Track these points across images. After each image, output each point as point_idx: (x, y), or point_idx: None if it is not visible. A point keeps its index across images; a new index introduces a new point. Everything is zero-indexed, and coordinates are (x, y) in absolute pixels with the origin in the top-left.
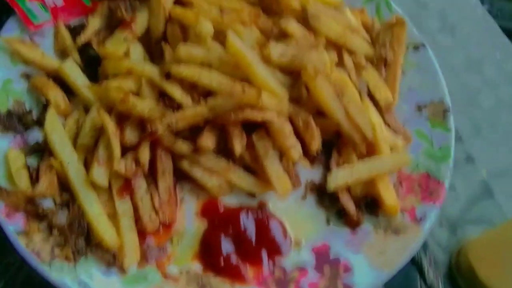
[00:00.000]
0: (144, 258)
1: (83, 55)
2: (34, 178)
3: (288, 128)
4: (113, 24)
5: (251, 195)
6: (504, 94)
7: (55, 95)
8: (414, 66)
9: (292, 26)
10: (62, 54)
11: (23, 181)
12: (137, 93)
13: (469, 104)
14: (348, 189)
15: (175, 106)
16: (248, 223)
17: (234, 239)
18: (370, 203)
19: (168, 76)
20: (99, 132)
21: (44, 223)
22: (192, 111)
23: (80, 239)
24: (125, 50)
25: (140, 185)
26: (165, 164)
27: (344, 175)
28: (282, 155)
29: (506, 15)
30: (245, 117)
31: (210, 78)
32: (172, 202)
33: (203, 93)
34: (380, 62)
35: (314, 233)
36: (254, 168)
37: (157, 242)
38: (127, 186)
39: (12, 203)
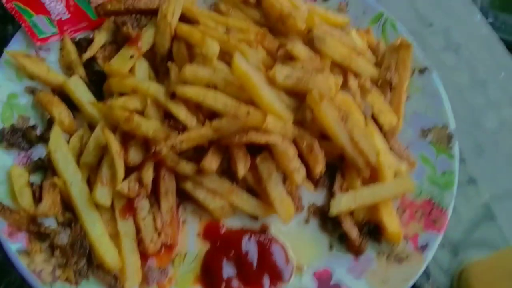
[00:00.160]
0: (145, 280)
1: (88, 69)
2: (37, 196)
3: (292, 151)
4: (119, 39)
5: (254, 217)
6: (507, 115)
7: (60, 112)
8: (419, 90)
9: (298, 49)
10: (68, 68)
11: (26, 200)
12: (142, 112)
13: (473, 124)
14: (351, 213)
15: (180, 127)
16: (250, 246)
17: (236, 262)
18: (373, 229)
19: (173, 95)
20: (103, 151)
21: (46, 243)
22: (197, 132)
23: (82, 260)
24: (130, 67)
25: (143, 205)
26: (168, 185)
27: (347, 201)
28: (286, 178)
29: (509, 28)
30: (249, 139)
31: (215, 99)
32: (175, 223)
33: (208, 113)
34: (385, 85)
35: (316, 258)
36: (257, 190)
37: (159, 264)
38: (129, 207)
39: (14, 222)
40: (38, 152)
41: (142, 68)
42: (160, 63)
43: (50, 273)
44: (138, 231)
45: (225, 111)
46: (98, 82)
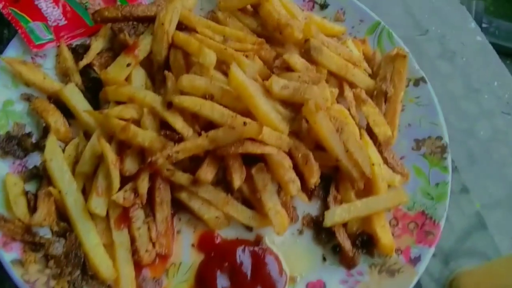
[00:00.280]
0: None
1: (85, 76)
2: (32, 206)
3: (287, 162)
4: (116, 46)
5: (248, 228)
6: (500, 124)
7: (56, 120)
8: (413, 101)
9: (295, 59)
10: (64, 75)
11: (20, 209)
12: (139, 121)
13: (466, 133)
14: (344, 225)
15: (176, 137)
16: (244, 257)
17: (230, 273)
18: (366, 241)
19: (170, 105)
20: (99, 160)
21: (40, 253)
22: (193, 143)
23: (76, 271)
24: (127, 75)
25: (138, 215)
26: (163, 195)
27: (341, 212)
28: (281, 188)
29: (503, 34)
30: (245, 150)
31: (211, 110)
32: (169, 234)
33: (205, 124)
34: (381, 96)
35: (309, 269)
36: (252, 201)
37: (153, 274)
38: (125, 217)
39: (9, 231)
40: (34, 160)
41: (139, 76)
42: (157, 71)
43: (44, 283)
44: (132, 241)
45: (221, 121)
46: (94, 89)
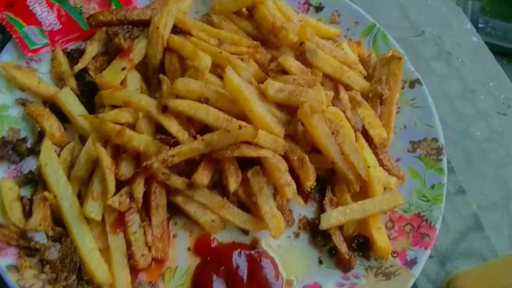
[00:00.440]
0: None
1: (80, 80)
2: (27, 211)
3: (283, 165)
4: (111, 50)
5: (245, 231)
6: (496, 125)
7: (51, 124)
8: (409, 103)
9: (290, 62)
10: (59, 79)
11: (16, 214)
12: (134, 125)
13: (462, 134)
14: (340, 228)
15: (171, 141)
16: (240, 261)
17: (226, 277)
18: (362, 244)
19: (165, 108)
20: (94, 164)
21: (36, 258)
22: (188, 146)
23: (72, 276)
24: (122, 79)
25: (134, 220)
26: (159, 199)
27: (337, 215)
28: (277, 192)
29: (499, 33)
30: (240, 153)
31: (207, 113)
32: (165, 238)
33: (200, 127)
34: (376, 98)
35: (306, 272)
36: (248, 204)
37: (149, 278)
38: (120, 221)
39: (4, 237)
40: (29, 164)
41: (134, 80)
42: (152, 75)
43: None
44: (128, 245)
45: (216, 125)
46: (89, 93)
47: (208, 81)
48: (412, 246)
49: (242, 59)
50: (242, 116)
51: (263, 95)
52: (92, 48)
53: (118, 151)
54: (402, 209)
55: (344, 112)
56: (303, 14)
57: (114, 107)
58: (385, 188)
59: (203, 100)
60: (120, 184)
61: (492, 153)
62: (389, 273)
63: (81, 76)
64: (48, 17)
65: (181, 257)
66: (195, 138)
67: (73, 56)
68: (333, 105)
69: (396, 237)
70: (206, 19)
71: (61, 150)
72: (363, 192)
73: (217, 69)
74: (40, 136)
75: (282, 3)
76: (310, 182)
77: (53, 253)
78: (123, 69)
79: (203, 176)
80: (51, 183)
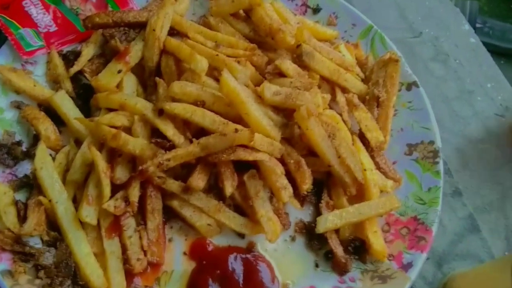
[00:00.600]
0: None
1: (75, 82)
2: (22, 215)
3: (279, 169)
4: (107, 52)
5: (241, 235)
6: (493, 127)
7: (46, 127)
8: (406, 106)
9: (287, 65)
10: (55, 82)
11: (10, 219)
12: (130, 128)
13: (459, 135)
14: (337, 231)
15: (167, 145)
16: (236, 265)
17: (222, 281)
18: (358, 247)
19: (161, 112)
20: (90, 168)
21: (30, 264)
22: (184, 150)
23: (67, 281)
24: (118, 82)
25: (129, 224)
26: (154, 203)
27: (333, 218)
28: (273, 195)
29: (497, 33)
30: (237, 157)
31: (203, 116)
32: (161, 242)
33: (196, 131)
34: (373, 101)
35: (302, 276)
36: (244, 208)
37: (145, 283)
38: (116, 225)
39: None
40: (24, 168)
41: (130, 82)
42: (148, 78)
43: None
44: (124, 249)
45: (213, 128)
46: (85, 96)
47: (204, 84)
48: (408, 249)
49: (238, 62)
50: (239, 119)
51: (259, 98)
52: (88, 50)
53: (113, 155)
54: (399, 212)
55: (340, 115)
56: (301, 16)
57: (110, 110)
58: (381, 191)
59: (200, 103)
60: (115, 188)
61: (488, 155)
62: (385, 277)
63: (77, 78)
64: (44, 19)
65: (177, 261)
66: (191, 141)
67: (69, 59)
68: (330, 107)
69: (392, 240)
70: (203, 21)
71: (56, 153)
72: (359, 195)
73: (214, 72)
74: (35, 139)
75: (279, 5)
76: (306, 185)
77: (48, 258)
78: (119, 71)
79: (199, 179)
80: (46, 187)
